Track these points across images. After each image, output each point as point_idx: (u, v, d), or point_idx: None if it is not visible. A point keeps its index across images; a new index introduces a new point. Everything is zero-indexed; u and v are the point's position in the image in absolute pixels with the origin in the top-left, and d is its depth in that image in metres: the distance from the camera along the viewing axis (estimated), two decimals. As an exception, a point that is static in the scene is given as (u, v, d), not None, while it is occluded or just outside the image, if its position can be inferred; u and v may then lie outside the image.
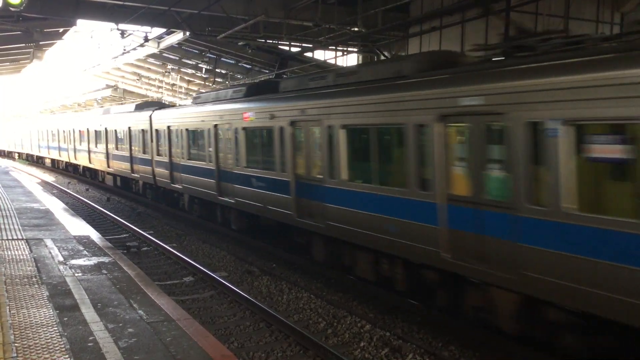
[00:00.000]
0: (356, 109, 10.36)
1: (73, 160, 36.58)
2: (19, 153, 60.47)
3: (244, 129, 14.70)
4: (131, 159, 24.89)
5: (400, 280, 10.07)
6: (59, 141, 39.54)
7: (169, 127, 20.33)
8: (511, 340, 8.46)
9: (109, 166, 28.45)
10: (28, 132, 52.40)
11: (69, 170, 40.06)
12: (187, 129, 18.74)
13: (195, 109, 18.15)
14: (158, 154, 21.67)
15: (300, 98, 12.27)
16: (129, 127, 24.77)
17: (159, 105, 26.18)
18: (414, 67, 9.85)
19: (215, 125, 16.37)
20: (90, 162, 32.11)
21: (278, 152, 13.17)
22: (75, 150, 35.27)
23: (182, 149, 19.19)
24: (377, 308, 10.53)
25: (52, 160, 45.02)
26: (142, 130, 23.24)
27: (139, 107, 25.29)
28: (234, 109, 15.27)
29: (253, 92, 15.30)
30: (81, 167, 35.95)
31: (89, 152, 31.81)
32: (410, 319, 9.92)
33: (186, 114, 18.94)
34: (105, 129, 28.34)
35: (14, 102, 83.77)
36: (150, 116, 22.20)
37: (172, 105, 27.84)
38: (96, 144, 30.33)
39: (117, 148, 26.87)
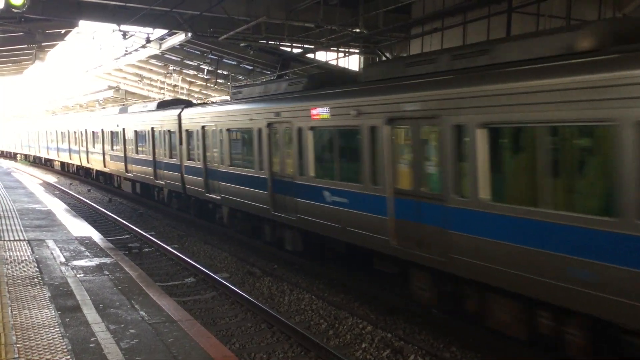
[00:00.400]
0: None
1: (85, 164, 33.47)
2: (25, 155, 57.08)
3: (312, 128, 11.86)
4: (154, 164, 22.05)
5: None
6: (69, 143, 36.60)
7: (203, 127, 17.39)
8: (513, 342, 8.45)
9: (127, 171, 25.63)
10: (35, 133, 48.99)
11: (79, 174, 37.36)
12: (228, 129, 15.84)
13: (240, 106, 15.09)
14: (189, 159, 18.78)
15: (400, 89, 9.47)
16: (152, 128, 21.90)
17: (185, 103, 22.99)
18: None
19: (269, 125, 13.47)
20: (105, 166, 29.09)
21: (367, 159, 10.24)
22: (88, 152, 32.26)
23: (222, 153, 16.24)
24: (379, 309, 10.53)
25: (62, 164, 42.02)
26: (169, 131, 20.37)
27: (162, 106, 22.50)
28: (296, 105, 12.38)
29: (317, 85, 12.53)
30: (94, 171, 33.21)
31: (104, 155, 28.86)
32: (412, 320, 9.92)
33: (227, 112, 15.90)
34: (123, 129, 25.51)
35: (16, 103, 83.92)
36: (179, 115, 19.31)
37: (202, 103, 24.30)
38: (112, 146, 27.42)
39: (136, 151, 24.07)
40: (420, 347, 8.71)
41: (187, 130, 18.81)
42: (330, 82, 12.44)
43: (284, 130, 12.90)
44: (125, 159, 25.48)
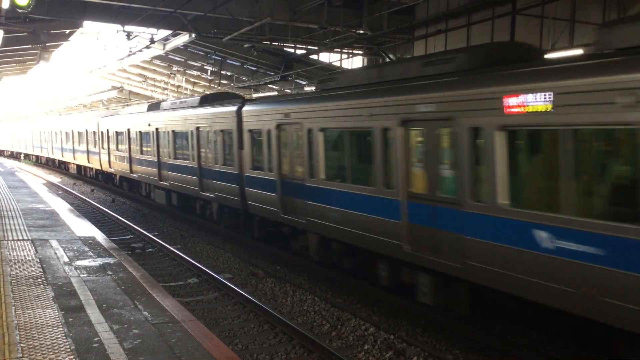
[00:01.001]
0: None
1: (107, 168, 29.86)
2: (36, 157, 53.88)
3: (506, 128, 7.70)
4: (199, 172, 18.35)
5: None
6: (87, 144, 33.20)
7: (279, 126, 13.40)
8: (516, 344, 8.45)
9: (160, 179, 21.92)
10: (48, 133, 45.13)
11: (99, 179, 34.00)
12: (322, 130, 11.75)
13: (346, 101, 10.87)
14: (254, 167, 14.88)
15: None
16: (197, 128, 18.28)
17: (234, 96, 19.44)
18: None
19: (405, 122, 9.45)
20: (131, 171, 25.63)
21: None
22: (109, 155, 28.73)
23: (314, 162, 12.04)
24: (381, 311, 10.53)
25: (78, 167, 38.43)
26: (221, 131, 16.55)
27: (207, 101, 18.89)
28: (464, 94, 8.26)
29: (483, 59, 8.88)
30: (117, 177, 29.64)
31: (130, 159, 25.47)
32: (415, 322, 9.92)
33: (323, 107, 11.68)
34: (156, 129, 21.89)
35: (20, 103, 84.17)
36: (238, 112, 15.52)
37: (267, 96, 20.32)
38: (141, 149, 23.94)
39: (174, 155, 20.42)
40: (423, 349, 8.70)
41: (250, 131, 14.91)
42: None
43: (442, 131, 8.80)
44: (159, 165, 21.89)
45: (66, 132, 38.57)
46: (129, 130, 25.34)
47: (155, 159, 22.19)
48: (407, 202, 9.51)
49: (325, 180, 11.75)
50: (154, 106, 23.67)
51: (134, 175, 25.37)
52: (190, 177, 18.98)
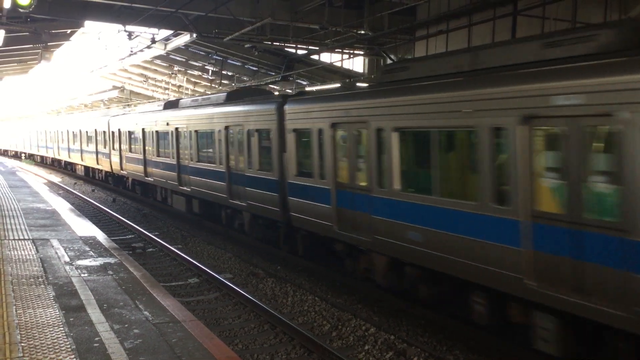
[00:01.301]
0: None
1: (118, 170, 27.67)
2: (41, 157, 51.86)
3: None
4: (228, 177, 16.20)
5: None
6: (96, 144, 30.93)
7: (334, 125, 11.32)
8: (517, 345, 8.44)
9: (180, 183, 19.87)
10: (54, 133, 42.74)
11: (108, 181, 31.46)
12: (397, 129, 9.63)
13: (441, 93, 8.72)
14: (301, 174, 12.70)
15: None
16: (226, 127, 16.15)
17: (264, 92, 17.76)
18: None
19: (528, 119, 7.34)
20: (145, 174, 23.59)
21: None
22: (121, 157, 26.61)
23: (389, 168, 9.81)
24: (382, 311, 10.53)
25: (86, 169, 35.98)
26: (256, 131, 14.50)
27: (234, 97, 17.15)
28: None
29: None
30: (129, 180, 27.28)
31: (145, 161, 23.12)
32: (415, 322, 9.92)
33: (404, 101, 9.43)
34: (176, 129, 20.07)
35: (21, 102, 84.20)
36: (280, 109, 13.40)
37: (314, 91, 17.95)
38: (157, 150, 21.94)
39: (197, 158, 18.42)
40: (424, 349, 8.71)
41: (296, 131, 12.83)
42: None
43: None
44: (179, 168, 19.96)
45: (73, 132, 36.77)
46: (143, 130, 23.52)
47: (174, 161, 20.27)
48: (533, 224, 7.25)
49: (402, 192, 9.63)
50: (172, 104, 22.11)
51: (149, 178, 23.38)
52: (217, 182, 16.92)
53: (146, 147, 23.28)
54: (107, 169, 29.95)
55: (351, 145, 10.89)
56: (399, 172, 9.70)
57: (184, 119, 19.35)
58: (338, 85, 23.30)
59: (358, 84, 23.60)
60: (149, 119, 22.79)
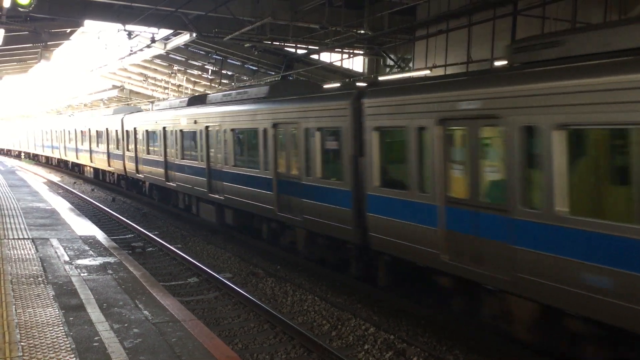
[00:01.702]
0: None
1: (133, 174, 25.51)
2: (46, 157, 49.41)
3: None
4: (277, 186, 13.77)
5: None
6: (107, 145, 28.88)
7: (443, 120, 8.86)
8: (516, 345, 8.45)
9: (211, 191, 17.53)
10: (60, 132, 40.07)
11: (121, 185, 29.19)
12: (564, 126, 6.90)
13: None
14: (388, 184, 10.29)
15: None
16: (274, 125, 13.73)
17: (311, 85, 16.34)
18: None
19: None
20: (166, 179, 21.29)
21: None
22: (137, 159, 24.26)
23: (549, 181, 7.11)
24: (382, 311, 10.53)
25: (96, 171, 33.48)
26: (319, 130, 12.13)
27: (278, 90, 15.04)
28: None
29: None
30: (146, 185, 25.00)
31: (166, 164, 21.10)
32: (415, 322, 9.92)
33: (577, 86, 6.66)
34: (206, 127, 17.57)
35: (22, 101, 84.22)
36: (356, 103, 10.94)
37: (402, 79, 15.68)
38: (182, 152, 19.72)
39: (234, 162, 15.99)
40: (423, 349, 8.71)
41: (380, 130, 10.35)
42: None
43: None
44: (209, 173, 17.52)
45: (82, 131, 33.98)
46: (164, 129, 21.05)
47: (203, 165, 17.75)
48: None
49: (575, 217, 6.80)
50: (198, 99, 19.61)
51: (171, 183, 20.83)
52: (260, 191, 14.45)
53: (168, 148, 20.93)
54: (120, 171, 27.56)
55: (473, 148, 8.36)
56: (567, 186, 6.94)
57: (216, 116, 16.85)
58: (426, 73, 19.06)
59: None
60: (172, 116, 20.33)
